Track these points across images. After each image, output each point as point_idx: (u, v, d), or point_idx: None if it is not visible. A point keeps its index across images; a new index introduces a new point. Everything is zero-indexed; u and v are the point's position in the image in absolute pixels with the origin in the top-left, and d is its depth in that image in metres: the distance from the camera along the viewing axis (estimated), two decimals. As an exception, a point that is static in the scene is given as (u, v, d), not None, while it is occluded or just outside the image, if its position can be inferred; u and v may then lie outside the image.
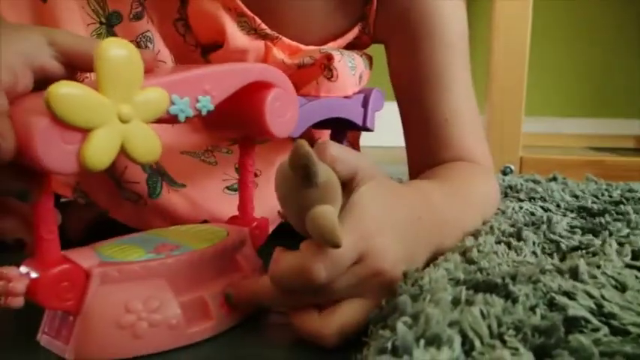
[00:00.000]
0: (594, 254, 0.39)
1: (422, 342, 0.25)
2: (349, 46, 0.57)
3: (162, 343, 0.35)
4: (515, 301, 0.29)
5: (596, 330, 0.27)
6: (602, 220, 0.49)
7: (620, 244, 0.40)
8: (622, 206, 0.54)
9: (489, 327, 0.26)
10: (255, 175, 0.56)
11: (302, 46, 0.52)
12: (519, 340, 0.26)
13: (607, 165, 1.19)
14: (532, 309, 0.29)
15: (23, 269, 0.32)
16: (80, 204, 0.53)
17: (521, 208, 0.56)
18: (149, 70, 0.33)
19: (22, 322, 0.39)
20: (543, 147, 1.76)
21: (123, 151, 0.31)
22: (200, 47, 0.53)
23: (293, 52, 0.52)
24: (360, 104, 0.56)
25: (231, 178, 0.55)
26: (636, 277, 0.33)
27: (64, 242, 0.33)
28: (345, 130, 0.60)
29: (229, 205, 0.48)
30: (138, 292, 0.35)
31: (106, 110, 0.30)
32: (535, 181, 0.74)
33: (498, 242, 0.42)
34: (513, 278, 0.32)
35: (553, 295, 0.29)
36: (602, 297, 0.29)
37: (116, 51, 0.30)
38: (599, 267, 0.34)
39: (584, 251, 0.40)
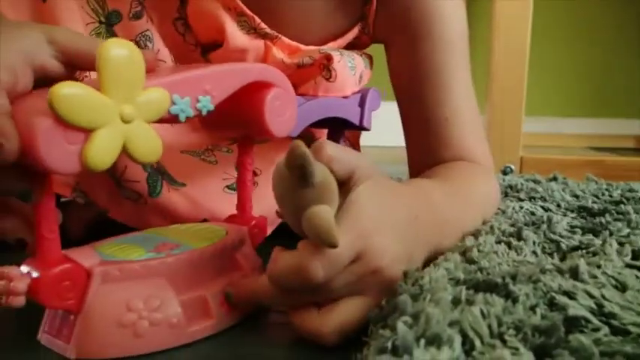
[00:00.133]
0: (594, 254, 0.39)
1: (422, 342, 0.25)
2: (349, 47, 0.57)
3: (163, 342, 0.35)
4: (515, 300, 0.29)
5: (596, 330, 0.27)
6: (603, 220, 0.49)
7: (621, 244, 0.40)
8: (622, 206, 0.54)
9: (489, 327, 0.26)
10: (255, 174, 0.56)
11: (302, 46, 0.52)
12: (519, 340, 0.26)
13: (607, 165, 1.19)
14: (532, 309, 0.29)
15: (24, 268, 0.32)
16: (80, 203, 0.53)
17: (521, 207, 0.56)
18: (150, 71, 0.33)
19: (22, 321, 0.39)
20: (543, 147, 1.76)
21: (124, 151, 0.31)
22: (200, 46, 0.53)
23: (292, 51, 0.52)
24: (357, 104, 0.56)
25: (231, 177, 0.55)
26: (636, 277, 0.33)
27: (64, 242, 0.33)
28: (343, 129, 0.60)
29: (229, 204, 0.48)
30: (138, 291, 0.35)
31: (108, 110, 0.30)
32: (535, 181, 0.74)
33: (498, 242, 0.42)
34: (513, 278, 0.32)
35: (553, 294, 0.30)
36: (603, 297, 0.29)
37: (118, 51, 0.30)
38: (599, 267, 0.34)
39: (584, 251, 0.40)
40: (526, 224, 0.48)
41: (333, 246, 0.31)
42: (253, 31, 0.50)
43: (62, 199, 0.55)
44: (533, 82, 1.29)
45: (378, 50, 0.59)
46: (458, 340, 0.25)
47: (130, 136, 0.31)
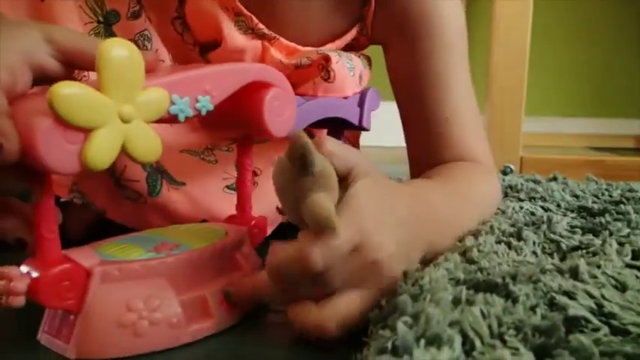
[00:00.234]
0: (594, 254, 0.39)
1: (422, 342, 0.25)
2: (347, 48, 0.57)
3: (162, 342, 0.35)
4: (515, 300, 0.29)
5: (596, 330, 0.27)
6: (603, 220, 0.49)
7: (621, 244, 0.40)
8: (622, 206, 0.54)
9: (490, 327, 0.26)
10: (255, 174, 0.56)
11: (299, 47, 0.52)
12: (520, 340, 0.26)
13: (607, 165, 1.19)
14: (532, 309, 0.29)
15: (24, 268, 0.32)
16: (79, 204, 0.53)
17: (521, 207, 0.56)
18: (150, 71, 0.33)
19: (22, 321, 0.39)
20: (543, 147, 1.77)
21: (124, 151, 0.31)
22: (198, 46, 0.53)
23: (290, 52, 0.52)
24: (356, 104, 0.56)
25: (231, 177, 0.55)
26: (636, 277, 0.33)
27: (64, 242, 0.33)
28: (342, 129, 0.60)
29: (229, 204, 0.48)
30: (138, 291, 0.35)
31: (108, 110, 0.30)
32: (535, 181, 0.74)
33: (498, 242, 0.42)
34: (514, 278, 0.32)
35: (553, 294, 0.29)
36: (603, 297, 0.29)
37: (118, 51, 0.30)
38: (599, 267, 0.34)
39: (584, 251, 0.40)
40: (526, 224, 0.48)
41: (333, 231, 0.31)
42: (251, 31, 0.50)
43: (62, 200, 0.55)
44: (533, 82, 1.29)
45: (376, 50, 0.59)
46: (458, 340, 0.25)
47: (129, 136, 0.31)
